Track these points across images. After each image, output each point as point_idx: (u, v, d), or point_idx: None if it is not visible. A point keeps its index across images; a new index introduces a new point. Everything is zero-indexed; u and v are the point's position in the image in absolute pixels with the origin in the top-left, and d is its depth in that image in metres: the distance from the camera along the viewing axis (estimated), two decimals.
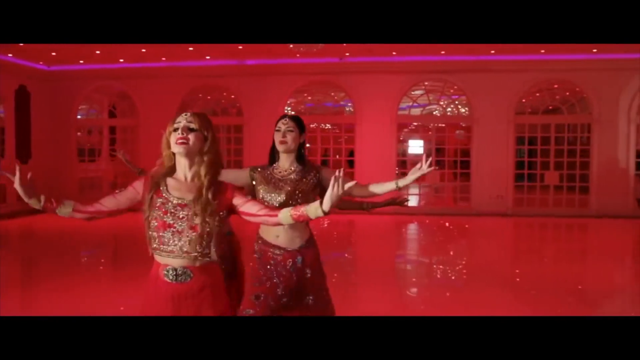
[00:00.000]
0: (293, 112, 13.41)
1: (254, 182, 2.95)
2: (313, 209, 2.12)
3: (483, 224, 11.14)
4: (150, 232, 2.20)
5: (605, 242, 9.50)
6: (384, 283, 6.28)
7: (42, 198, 2.23)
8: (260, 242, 2.91)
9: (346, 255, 8.36)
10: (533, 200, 12.03)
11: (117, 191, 2.33)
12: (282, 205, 2.76)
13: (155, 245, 2.19)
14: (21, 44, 10.00)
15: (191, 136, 2.19)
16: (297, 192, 2.86)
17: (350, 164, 12.47)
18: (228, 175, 2.77)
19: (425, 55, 11.40)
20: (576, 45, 10.35)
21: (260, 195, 2.88)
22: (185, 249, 2.17)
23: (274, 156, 3.09)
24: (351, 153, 12.58)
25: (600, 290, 6.10)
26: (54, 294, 5.53)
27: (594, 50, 10.88)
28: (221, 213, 2.23)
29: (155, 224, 2.18)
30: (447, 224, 11.16)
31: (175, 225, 2.18)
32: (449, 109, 13.71)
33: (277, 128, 2.93)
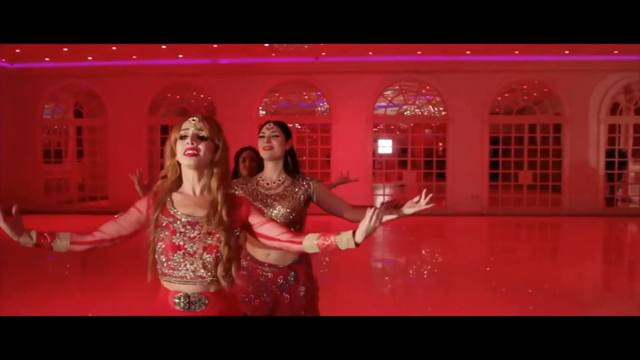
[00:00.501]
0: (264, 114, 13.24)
1: None
2: (345, 241, 1.90)
3: (459, 224, 11.21)
4: (156, 256, 1.94)
5: (575, 241, 9.70)
6: (360, 284, 6.26)
7: (34, 234, 1.92)
8: (248, 258, 2.69)
9: (327, 258, 8.26)
10: (507, 199, 12.17)
11: (116, 215, 2.03)
12: None
13: (164, 271, 1.94)
14: None
15: (202, 146, 1.94)
16: (287, 209, 2.64)
17: (327, 164, 12.38)
18: None
19: (402, 55, 11.39)
20: (549, 47, 10.49)
21: None
22: (198, 274, 1.92)
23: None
24: (328, 154, 12.48)
25: (571, 288, 6.18)
26: (24, 305, 5.25)
27: (566, 52, 11.05)
28: (236, 230, 2.00)
29: (163, 246, 1.93)
30: (423, 224, 11.18)
31: (186, 246, 1.92)
32: (425, 109, 13.77)
33: (260, 134, 2.71)
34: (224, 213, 1.95)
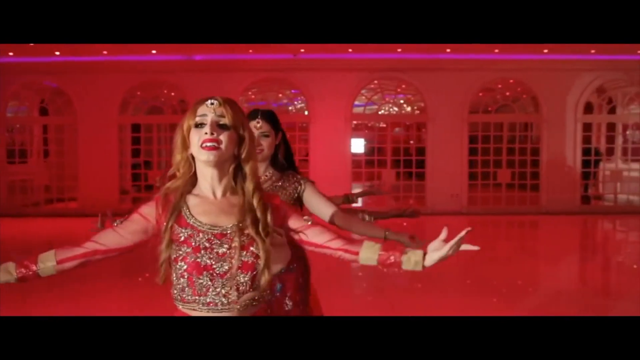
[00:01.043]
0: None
1: None
2: (412, 263, 1.61)
3: (438, 223, 11.08)
4: (174, 279, 1.57)
5: (551, 239, 9.78)
6: (335, 286, 6.07)
7: (12, 266, 1.60)
8: None
9: None
10: (487, 198, 12.15)
11: (116, 223, 1.66)
12: None
13: (186, 297, 1.56)
14: None
15: (223, 136, 1.58)
16: None
17: (305, 163, 12.13)
18: None
19: (381, 53, 11.22)
20: (528, 45, 10.48)
21: None
22: (231, 299, 1.56)
23: None
24: (306, 152, 12.24)
25: (544, 285, 6.32)
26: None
27: (545, 51, 11.08)
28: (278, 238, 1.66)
29: (185, 267, 1.55)
30: (404, 224, 11.04)
31: (214, 266, 1.55)
32: (404, 108, 13.67)
33: None
34: (269, 219, 1.61)
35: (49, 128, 12.90)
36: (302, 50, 11.06)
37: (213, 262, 1.57)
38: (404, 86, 12.08)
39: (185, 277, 1.56)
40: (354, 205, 3.27)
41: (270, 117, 2.50)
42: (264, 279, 1.59)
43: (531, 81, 11.77)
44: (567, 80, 11.72)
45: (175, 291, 1.59)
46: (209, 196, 1.64)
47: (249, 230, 1.59)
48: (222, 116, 1.60)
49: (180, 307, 1.61)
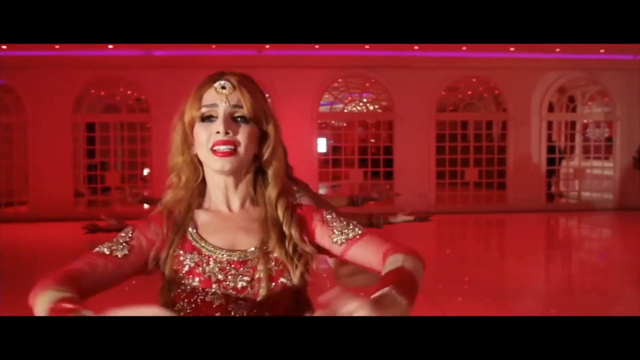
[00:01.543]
0: None
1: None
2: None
3: (406, 223, 10.98)
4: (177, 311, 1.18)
5: (521, 237, 9.80)
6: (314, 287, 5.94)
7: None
8: None
9: None
10: (454, 197, 12.08)
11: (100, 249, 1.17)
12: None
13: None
14: None
15: (242, 135, 1.18)
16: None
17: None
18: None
19: (349, 49, 10.99)
20: (495, 44, 10.46)
21: None
22: None
23: None
24: None
25: (514, 286, 6.30)
26: None
27: (512, 49, 11.08)
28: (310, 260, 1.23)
29: (187, 309, 1.16)
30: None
31: (229, 308, 1.15)
32: (372, 105, 13.49)
33: None
34: (298, 234, 1.20)
35: None
36: (267, 46, 10.71)
37: (229, 302, 1.14)
38: (368, 85, 11.89)
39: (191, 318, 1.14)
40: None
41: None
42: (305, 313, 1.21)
43: (497, 79, 11.77)
44: (532, 79, 11.77)
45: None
46: (222, 210, 1.23)
47: (277, 254, 1.19)
48: (239, 106, 1.19)
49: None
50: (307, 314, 1.22)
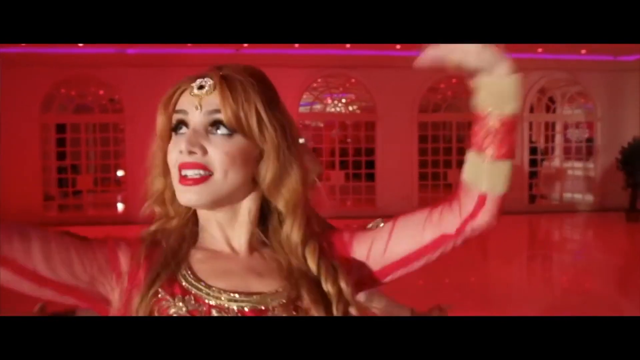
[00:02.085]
0: None
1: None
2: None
3: None
4: None
5: (505, 240, 9.71)
6: None
7: None
8: None
9: None
10: (437, 199, 11.75)
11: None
12: None
13: None
14: None
15: (217, 155, 0.86)
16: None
17: None
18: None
19: (329, 48, 10.76)
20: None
21: None
22: None
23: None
24: None
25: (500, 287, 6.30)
26: None
27: None
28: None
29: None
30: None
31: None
32: (353, 106, 13.28)
33: None
34: (350, 294, 0.90)
35: None
36: (245, 45, 10.41)
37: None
38: (349, 85, 11.67)
39: None
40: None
41: None
42: None
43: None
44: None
45: None
46: (222, 248, 0.91)
47: (314, 312, 0.87)
48: (216, 110, 0.86)
49: None
50: None
